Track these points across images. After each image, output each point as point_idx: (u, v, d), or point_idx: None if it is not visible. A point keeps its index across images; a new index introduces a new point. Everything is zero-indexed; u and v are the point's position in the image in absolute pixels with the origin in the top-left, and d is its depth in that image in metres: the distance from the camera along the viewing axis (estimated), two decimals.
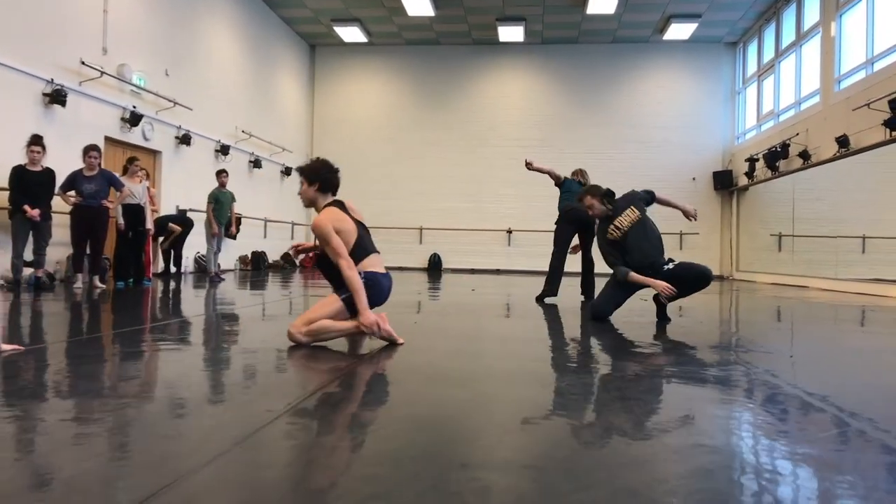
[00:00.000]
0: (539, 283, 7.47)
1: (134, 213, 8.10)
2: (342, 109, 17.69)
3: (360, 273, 3.47)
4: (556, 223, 7.16)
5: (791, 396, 2.44)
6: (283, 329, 3.64)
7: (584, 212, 5.94)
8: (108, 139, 9.33)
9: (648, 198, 5.20)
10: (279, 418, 1.97)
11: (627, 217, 5.01)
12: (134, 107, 9.76)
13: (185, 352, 3.34)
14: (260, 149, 14.44)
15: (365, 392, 2.47)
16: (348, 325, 3.52)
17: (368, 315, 3.38)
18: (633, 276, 4.82)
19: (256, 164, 14.13)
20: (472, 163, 17.23)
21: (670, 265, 4.83)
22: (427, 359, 3.16)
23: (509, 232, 16.97)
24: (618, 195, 5.20)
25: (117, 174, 8.08)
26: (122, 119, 9.58)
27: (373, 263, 3.61)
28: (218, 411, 2.10)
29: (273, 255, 15.07)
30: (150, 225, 8.29)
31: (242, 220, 12.91)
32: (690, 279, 4.74)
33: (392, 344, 3.48)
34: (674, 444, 1.77)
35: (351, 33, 16.23)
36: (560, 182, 7.22)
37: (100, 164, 7.50)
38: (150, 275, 9.14)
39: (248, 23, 13.88)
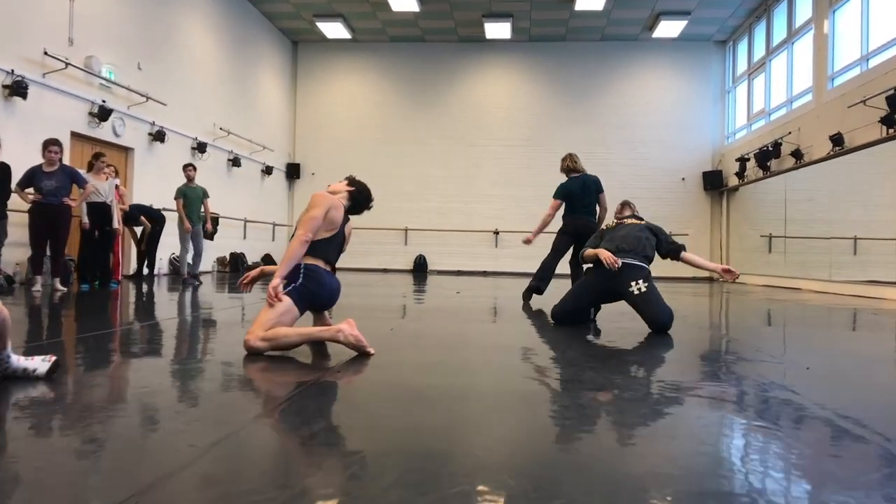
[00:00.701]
0: (525, 285, 7.10)
1: (100, 211, 7.67)
2: (325, 107, 17.27)
3: (301, 264, 3.31)
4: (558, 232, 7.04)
5: (821, 420, 2.10)
6: (241, 338, 3.26)
7: (581, 225, 5.86)
8: (74, 134, 8.89)
9: (672, 248, 4.88)
10: (201, 458, 1.59)
11: (631, 220, 4.76)
12: (103, 101, 9.32)
13: (117, 366, 2.95)
14: (239, 147, 14.00)
15: (316, 417, 2.09)
16: (309, 331, 3.23)
17: (276, 280, 3.22)
18: (587, 251, 4.67)
19: (235, 162, 13.69)
20: (459, 162, 16.87)
21: (641, 286, 4.46)
22: (399, 374, 2.79)
23: (496, 233, 16.63)
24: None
25: (83, 171, 7.65)
26: (90, 114, 9.13)
27: (321, 264, 3.40)
28: (132, 448, 1.71)
29: (253, 257, 14.62)
30: (116, 224, 7.85)
31: (220, 220, 12.51)
32: (647, 316, 4.42)
33: (362, 354, 3.12)
34: (693, 494, 1.42)
35: (334, 29, 15.82)
36: (560, 205, 7.15)
37: (61, 160, 7.06)
38: (120, 277, 8.70)
39: (227, 17, 13.45)
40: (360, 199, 3.71)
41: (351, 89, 17.22)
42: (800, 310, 6.93)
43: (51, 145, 6.96)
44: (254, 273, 3.63)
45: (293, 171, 16.99)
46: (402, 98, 17.08)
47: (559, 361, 3.18)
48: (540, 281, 6.69)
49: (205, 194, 9.69)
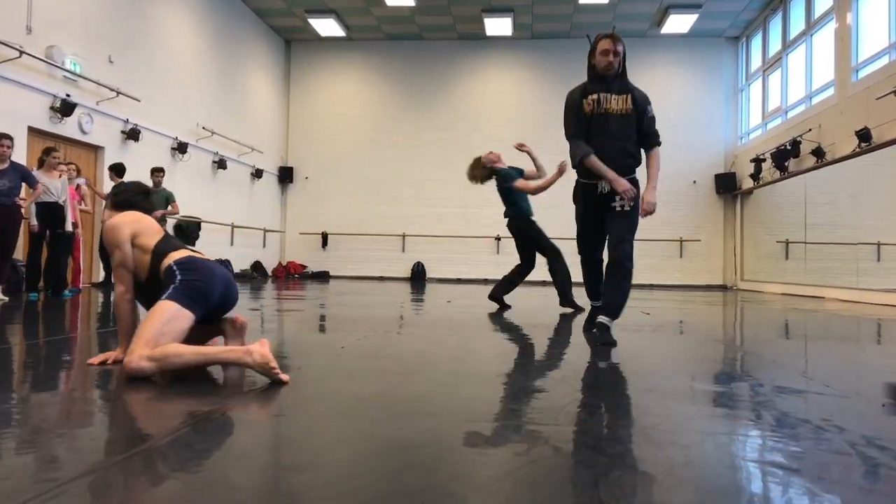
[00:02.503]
0: (528, 294, 6.36)
1: (51, 212, 6.96)
2: (319, 108, 16.58)
3: (169, 263, 2.67)
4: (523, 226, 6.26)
5: None
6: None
7: None
8: (33, 130, 8.20)
9: (653, 135, 3.94)
10: None
11: (618, 101, 3.85)
12: (67, 95, 8.63)
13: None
14: (226, 148, 13.31)
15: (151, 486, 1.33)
16: (209, 350, 2.53)
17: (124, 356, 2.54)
18: (593, 160, 3.81)
19: (221, 164, 12.99)
20: (459, 165, 15.97)
21: (620, 203, 3.82)
22: (317, 417, 2.01)
23: (498, 239, 15.84)
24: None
25: (34, 169, 6.96)
26: (52, 108, 8.44)
27: (189, 253, 2.77)
28: None
29: (241, 264, 13.91)
30: (70, 227, 7.13)
31: (204, 225, 11.82)
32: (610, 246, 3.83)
33: (274, 382, 2.37)
34: None
35: (327, 26, 15.15)
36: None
37: (10, 157, 6.35)
38: (80, 284, 7.98)
39: (213, 12, 12.78)
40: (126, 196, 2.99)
41: (346, 90, 16.53)
42: (832, 321, 6.12)
43: (1, 139, 6.26)
44: (105, 357, 2.76)
45: (286, 175, 16.29)
46: (399, 99, 16.37)
47: (539, 399, 2.41)
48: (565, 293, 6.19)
49: (169, 199, 9.04)
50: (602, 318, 3.73)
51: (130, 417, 2.04)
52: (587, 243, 4.11)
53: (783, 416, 2.03)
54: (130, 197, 2.97)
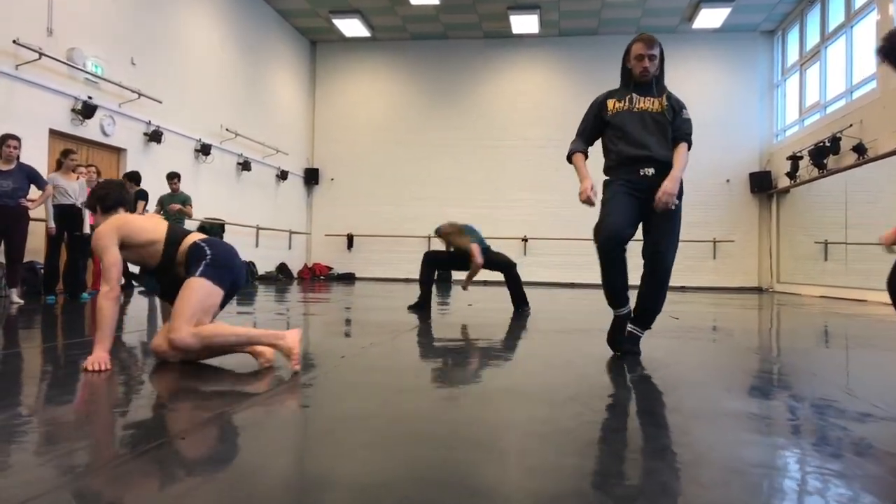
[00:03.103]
0: (556, 296, 6.11)
1: (68, 214, 6.91)
2: (345, 109, 16.48)
3: (195, 241, 2.91)
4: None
5: None
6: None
7: None
8: (54, 132, 8.18)
9: (683, 133, 3.61)
10: None
11: (652, 102, 3.60)
12: (89, 97, 8.61)
13: None
14: (251, 150, 13.26)
15: None
16: (249, 331, 2.88)
17: (101, 353, 2.71)
18: (577, 158, 3.69)
19: (245, 166, 12.95)
20: (485, 166, 15.88)
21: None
22: (293, 455, 1.82)
23: (525, 240, 15.57)
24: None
25: (54, 171, 6.92)
26: (73, 110, 8.43)
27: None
28: None
29: (266, 266, 13.87)
30: (87, 229, 7.07)
31: (228, 227, 11.80)
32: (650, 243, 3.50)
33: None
34: None
35: (352, 26, 15.04)
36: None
37: (19, 157, 6.31)
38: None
39: (237, 14, 12.75)
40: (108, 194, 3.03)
41: (372, 91, 16.41)
42: (878, 328, 5.75)
43: (8, 139, 6.22)
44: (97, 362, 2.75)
45: (311, 177, 16.23)
46: (425, 99, 16.20)
47: (546, 425, 2.17)
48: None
49: (186, 202, 9.03)
50: (633, 328, 3.49)
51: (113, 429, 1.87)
52: (617, 231, 3.50)
53: (823, 444, 1.78)
54: (116, 196, 3.02)
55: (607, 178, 3.67)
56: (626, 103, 3.64)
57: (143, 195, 8.41)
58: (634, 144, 3.56)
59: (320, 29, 15.49)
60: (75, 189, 6.94)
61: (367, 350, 3.55)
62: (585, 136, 3.76)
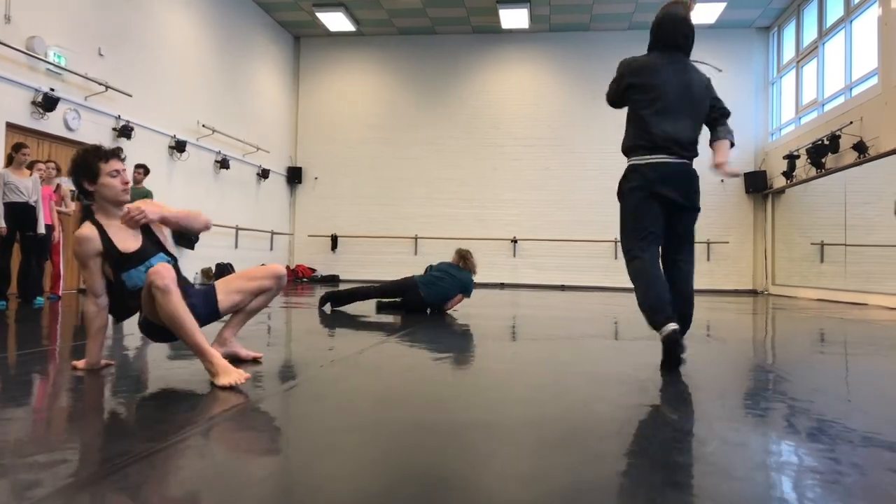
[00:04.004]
0: (545, 298, 5.68)
1: (20, 212, 6.41)
2: (330, 107, 16.01)
3: None
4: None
5: None
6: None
7: None
8: (11, 126, 7.68)
9: (718, 114, 3.44)
10: None
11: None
12: (51, 89, 8.11)
13: None
14: (229, 148, 12.77)
15: None
16: (200, 343, 2.58)
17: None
18: None
19: (224, 164, 12.45)
20: (473, 165, 15.45)
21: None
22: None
23: (514, 241, 15.16)
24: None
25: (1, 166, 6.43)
26: (34, 103, 7.93)
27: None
28: None
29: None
30: (42, 228, 6.57)
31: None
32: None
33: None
34: None
35: (336, 20, 14.58)
36: None
37: None
38: (60, 290, 7.44)
39: (216, 5, 12.26)
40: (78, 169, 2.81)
41: (357, 87, 15.94)
42: (884, 333, 5.35)
43: None
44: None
45: (294, 176, 15.73)
46: (412, 96, 15.75)
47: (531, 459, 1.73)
48: None
49: (147, 197, 8.49)
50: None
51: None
52: (651, 240, 3.28)
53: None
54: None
55: (633, 160, 3.57)
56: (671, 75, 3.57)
57: None
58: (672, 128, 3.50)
59: (304, 23, 15.01)
60: (28, 186, 6.44)
61: (330, 368, 3.10)
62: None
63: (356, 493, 1.42)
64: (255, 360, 3.14)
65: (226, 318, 3.14)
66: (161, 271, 2.54)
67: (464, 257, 6.42)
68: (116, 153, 2.86)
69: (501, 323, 5.67)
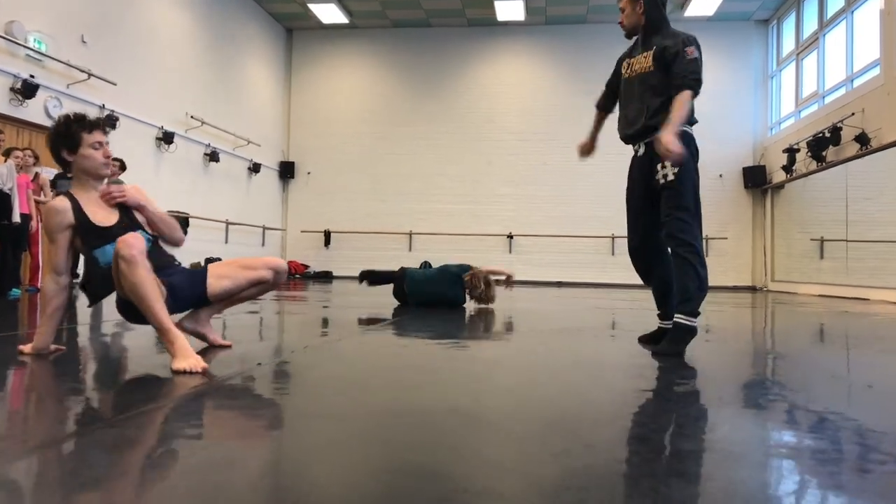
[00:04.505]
0: (542, 294, 5.45)
1: None
2: (322, 100, 15.76)
3: None
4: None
5: None
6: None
7: None
8: None
9: (681, 78, 3.02)
10: None
11: (640, 62, 3.21)
12: (31, 76, 7.86)
13: None
14: (219, 140, 12.52)
15: None
16: (163, 320, 2.39)
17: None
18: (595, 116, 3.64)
19: (213, 157, 12.20)
20: (468, 159, 15.22)
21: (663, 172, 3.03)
22: None
23: (510, 237, 14.92)
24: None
25: None
26: (12, 89, 7.68)
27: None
28: None
29: None
30: (17, 217, 6.33)
31: (193, 221, 11.10)
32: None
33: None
34: None
35: (329, 12, 14.34)
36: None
37: None
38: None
39: None
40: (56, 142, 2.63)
41: (351, 81, 15.70)
42: (890, 327, 5.13)
43: None
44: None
45: (287, 170, 15.49)
46: (406, 90, 15.51)
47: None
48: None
49: None
50: (666, 323, 3.16)
51: None
52: (629, 229, 3.29)
53: None
54: None
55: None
56: (627, 68, 3.33)
57: None
58: (623, 121, 3.33)
59: (296, 15, 14.76)
60: (2, 172, 6.21)
61: (304, 353, 2.86)
62: (611, 88, 3.55)
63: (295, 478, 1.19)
64: (223, 347, 2.92)
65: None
66: (129, 240, 2.37)
67: (475, 285, 5.90)
68: (100, 124, 2.69)
69: (495, 316, 5.45)
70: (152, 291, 2.38)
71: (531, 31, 15.02)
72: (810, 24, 12.25)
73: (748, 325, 5.34)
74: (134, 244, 2.37)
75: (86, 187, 2.65)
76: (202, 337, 2.91)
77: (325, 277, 14.88)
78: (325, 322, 4.66)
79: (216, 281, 2.81)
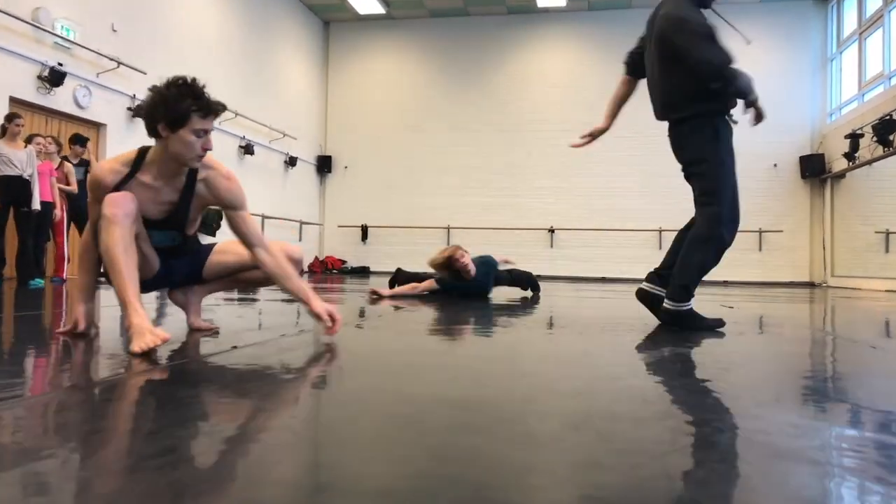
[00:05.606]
0: (583, 291, 5.03)
1: (14, 187, 6.03)
2: (360, 93, 15.52)
3: None
4: None
5: None
6: None
7: None
8: (15, 101, 7.33)
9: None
10: None
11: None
12: (59, 63, 7.76)
13: None
14: (254, 133, 12.37)
15: None
16: (127, 291, 2.13)
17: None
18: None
19: (248, 150, 12.06)
20: (508, 152, 14.76)
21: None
22: None
23: (551, 231, 14.42)
24: None
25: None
26: (40, 77, 7.59)
27: None
28: None
29: None
30: (37, 204, 6.17)
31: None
32: None
33: None
34: None
35: (365, 3, 14.08)
36: None
37: None
38: (64, 273, 7.05)
39: None
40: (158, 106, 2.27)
41: (388, 73, 15.42)
42: None
43: None
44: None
45: (324, 164, 15.30)
46: (444, 81, 15.14)
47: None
48: None
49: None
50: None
51: None
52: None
53: None
54: None
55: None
56: None
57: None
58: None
59: (333, 6, 14.55)
60: (22, 158, 6.06)
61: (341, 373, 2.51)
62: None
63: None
64: (212, 332, 2.61)
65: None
66: (117, 199, 2.16)
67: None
68: (217, 110, 2.34)
69: (530, 308, 5.03)
70: (123, 259, 2.12)
71: (573, 18, 14.48)
72: (874, 1, 11.43)
73: (806, 319, 4.80)
74: (120, 202, 2.15)
75: (158, 172, 2.31)
76: (187, 314, 2.64)
77: (363, 272, 14.63)
78: (362, 312, 4.32)
79: (216, 256, 2.59)
